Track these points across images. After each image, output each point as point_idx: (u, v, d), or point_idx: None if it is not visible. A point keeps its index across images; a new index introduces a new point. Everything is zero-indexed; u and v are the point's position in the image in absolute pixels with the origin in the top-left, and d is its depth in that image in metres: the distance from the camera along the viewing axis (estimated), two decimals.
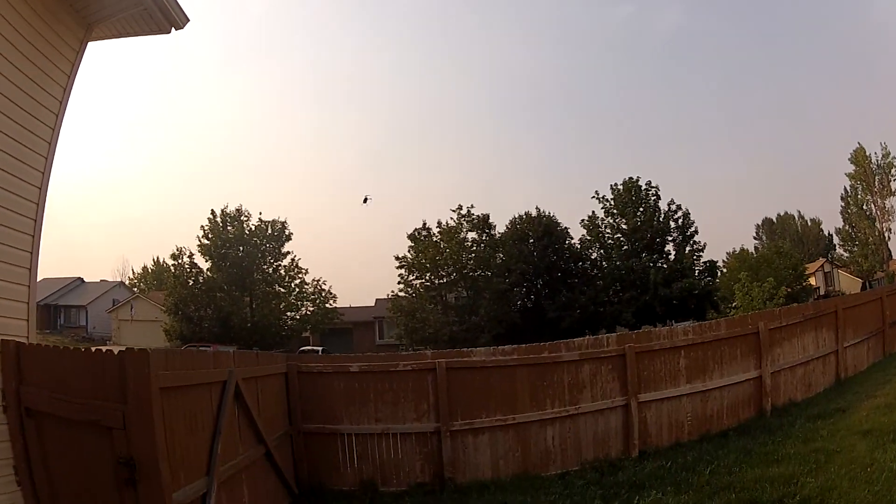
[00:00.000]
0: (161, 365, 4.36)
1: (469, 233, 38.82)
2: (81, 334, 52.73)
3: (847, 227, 46.04)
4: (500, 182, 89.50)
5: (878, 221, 44.32)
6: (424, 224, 39.31)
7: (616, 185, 39.69)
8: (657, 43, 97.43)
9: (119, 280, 66.06)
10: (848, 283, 47.08)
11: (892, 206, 43.60)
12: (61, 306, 57.26)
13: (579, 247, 40.29)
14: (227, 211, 42.82)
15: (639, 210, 38.98)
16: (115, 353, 4.38)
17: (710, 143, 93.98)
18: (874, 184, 43.72)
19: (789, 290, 40.37)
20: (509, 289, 38.08)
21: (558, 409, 8.62)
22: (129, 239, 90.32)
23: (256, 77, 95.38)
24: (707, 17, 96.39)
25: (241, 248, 41.64)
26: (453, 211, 39.07)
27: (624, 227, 39.30)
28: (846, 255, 47.87)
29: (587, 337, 9.86)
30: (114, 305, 55.79)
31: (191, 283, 41.12)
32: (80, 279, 60.57)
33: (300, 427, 8.29)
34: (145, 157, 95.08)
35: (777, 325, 10.82)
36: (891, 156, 43.69)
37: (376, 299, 42.11)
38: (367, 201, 43.96)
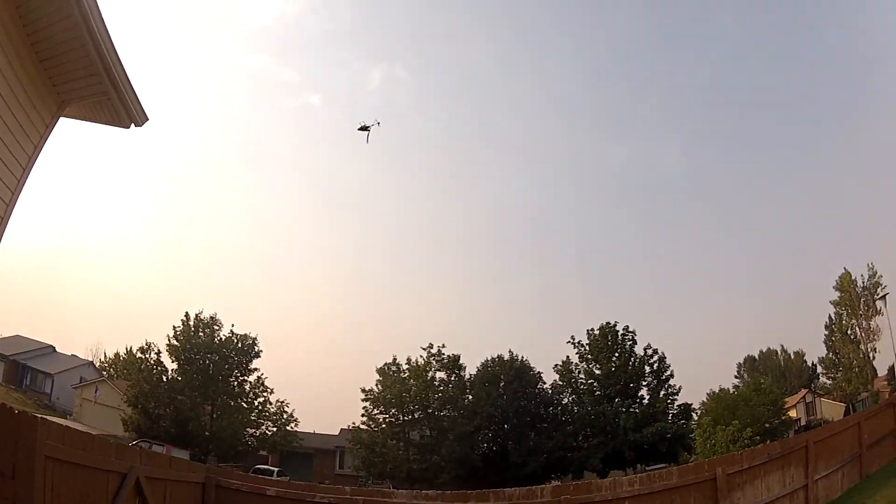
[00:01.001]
0: (54, 437, 5.07)
1: (438, 372, 38.39)
2: (45, 401, 51.91)
3: (830, 355, 45.24)
4: (475, 323, 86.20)
5: (862, 343, 43.30)
6: (394, 359, 38.95)
7: (592, 330, 38.95)
8: (635, 183, 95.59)
9: (90, 360, 64.89)
10: (830, 409, 46.05)
11: (878, 326, 42.44)
12: (29, 367, 55.95)
13: (550, 392, 39.58)
14: (202, 317, 41.89)
15: (614, 355, 38.08)
16: (15, 412, 5.09)
17: (693, 285, 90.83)
18: (860, 306, 42.72)
19: (767, 426, 39.35)
20: (474, 431, 37.35)
21: None
22: (108, 316, 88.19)
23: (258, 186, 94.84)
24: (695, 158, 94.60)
25: (208, 356, 40.73)
26: (423, 349, 38.71)
27: (597, 372, 38.43)
28: (829, 382, 46.98)
29: (517, 488, 8.92)
30: (80, 382, 54.56)
31: (154, 379, 40.19)
32: (52, 347, 59.32)
33: None
34: (147, 238, 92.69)
35: (737, 469, 10.33)
36: (877, 275, 42.84)
37: (340, 429, 41.54)
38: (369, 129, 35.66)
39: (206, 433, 39.44)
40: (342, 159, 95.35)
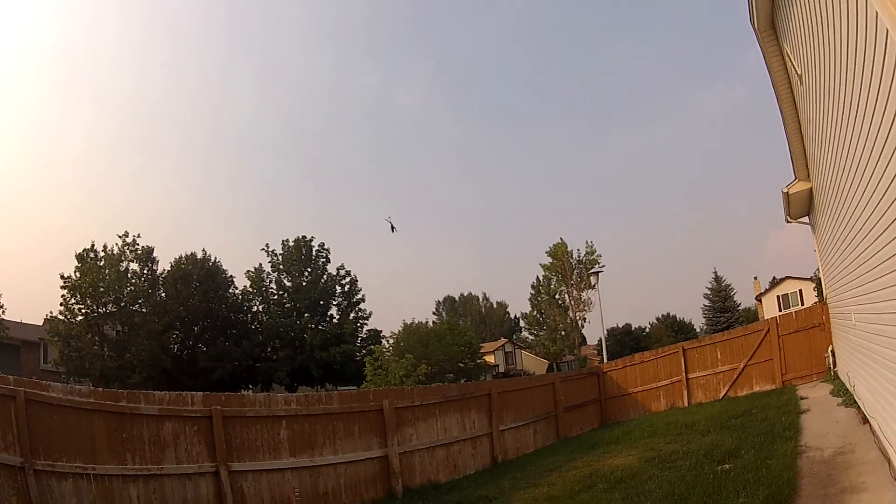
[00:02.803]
0: None
1: (132, 263, 37.28)
2: None
3: (535, 313, 48.23)
4: (174, 215, 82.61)
5: (571, 310, 46.37)
6: (92, 245, 37.13)
7: (287, 241, 39.64)
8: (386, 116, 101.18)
9: None
10: (532, 363, 48.91)
11: (589, 298, 45.86)
12: None
13: (241, 298, 39.69)
14: None
15: (306, 270, 39.17)
16: None
17: (416, 216, 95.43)
18: (572, 276, 45.87)
19: (461, 365, 41.09)
20: (165, 330, 36.94)
21: (138, 466, 7.69)
22: None
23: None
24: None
25: None
26: (119, 237, 37.52)
27: (288, 284, 39.30)
28: (531, 337, 49.85)
29: (168, 392, 8.47)
30: None
31: None
32: None
33: None
34: None
35: (406, 404, 10.38)
36: (595, 253, 46.56)
37: (45, 318, 39.95)
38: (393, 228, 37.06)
39: None
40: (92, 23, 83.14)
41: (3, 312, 40.46)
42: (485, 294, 69.00)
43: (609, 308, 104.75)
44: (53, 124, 75.77)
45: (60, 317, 37.49)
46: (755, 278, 53.88)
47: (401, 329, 41.56)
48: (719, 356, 16.12)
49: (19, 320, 44.18)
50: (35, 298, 68.60)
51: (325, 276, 39.33)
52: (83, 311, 37.49)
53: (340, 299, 39.82)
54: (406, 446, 10.25)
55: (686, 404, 16.09)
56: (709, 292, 57.38)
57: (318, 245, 39.70)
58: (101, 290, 36.95)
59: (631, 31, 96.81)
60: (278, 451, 8.73)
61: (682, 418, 13.15)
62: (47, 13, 74.27)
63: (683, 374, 16.44)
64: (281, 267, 39.29)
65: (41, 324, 42.29)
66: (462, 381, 35.94)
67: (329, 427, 9.31)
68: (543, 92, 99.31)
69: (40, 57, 74.48)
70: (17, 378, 8.26)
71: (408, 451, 10.25)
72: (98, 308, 37.39)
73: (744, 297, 60.45)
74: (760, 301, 49.17)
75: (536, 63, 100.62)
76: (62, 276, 37.64)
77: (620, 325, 65.25)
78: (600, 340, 47.91)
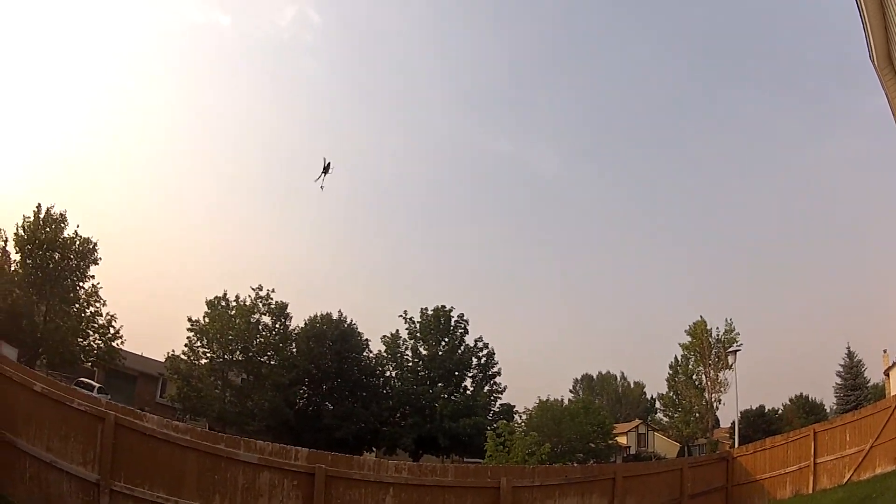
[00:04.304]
0: None
1: (263, 316, 36.95)
2: None
3: (671, 394, 45.41)
4: (312, 275, 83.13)
5: (707, 391, 43.46)
6: (224, 294, 37.25)
7: (426, 309, 38.37)
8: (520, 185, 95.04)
9: None
10: (665, 446, 46.37)
11: (725, 379, 42.40)
12: None
13: (374, 362, 38.71)
14: (52, 212, 39.91)
15: (443, 340, 37.44)
16: None
17: (548, 292, 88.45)
18: (710, 356, 42.80)
19: (592, 446, 39.16)
20: (291, 384, 36.40)
21: None
22: None
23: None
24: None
25: (50, 254, 39.00)
26: (253, 289, 37.11)
27: (424, 352, 37.82)
28: (666, 419, 47.23)
29: (270, 443, 8.40)
30: None
31: None
32: None
33: None
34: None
35: (525, 483, 9.61)
36: (734, 331, 42.93)
37: (166, 356, 39.94)
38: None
39: (38, 335, 37.91)
40: (224, 84, 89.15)
41: (123, 343, 40.90)
42: (622, 373, 67.08)
43: (743, 388, 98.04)
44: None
45: (183, 356, 37.83)
46: (885, 351, 49.54)
47: (535, 405, 40.07)
48: (848, 438, 14.48)
49: (140, 353, 44.49)
50: (157, 333, 73.11)
51: (462, 347, 37.43)
52: (208, 354, 37.58)
53: (476, 371, 37.90)
54: None
55: (811, 491, 14.52)
56: (841, 369, 52.95)
57: (458, 316, 38.17)
58: (230, 337, 36.85)
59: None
60: None
61: None
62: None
63: (811, 459, 14.78)
64: (418, 335, 37.89)
65: (162, 360, 42.39)
66: (591, 462, 34.15)
67: (440, 500, 8.77)
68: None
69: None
70: (111, 403, 9.62)
71: None
72: (224, 354, 37.33)
73: (873, 373, 55.94)
74: (888, 375, 45.32)
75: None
76: (190, 319, 38.20)
77: (754, 407, 61.04)
78: (733, 423, 44.49)
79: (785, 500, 14.71)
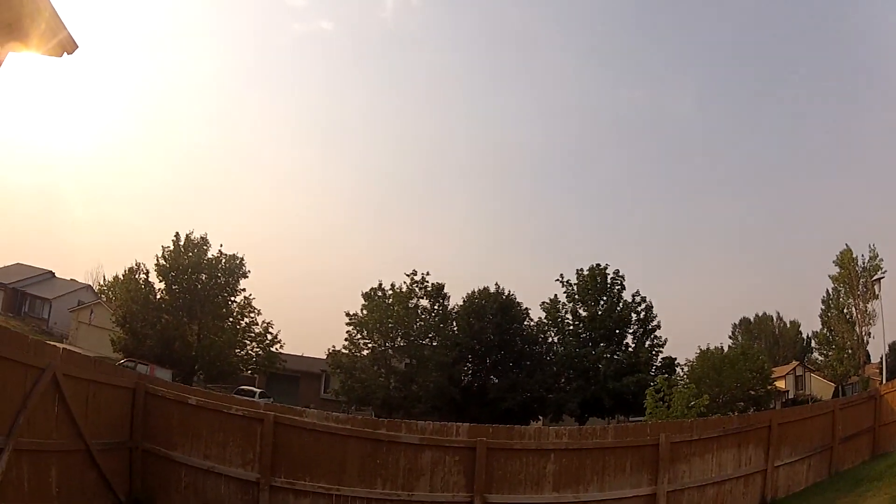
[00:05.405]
0: None
1: (421, 300, 37.87)
2: (42, 326, 52.17)
3: (825, 331, 43.99)
4: (467, 254, 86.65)
5: (857, 325, 42.09)
6: (380, 284, 38.27)
7: (582, 270, 38.25)
8: (657, 132, 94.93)
9: (88, 283, 65.42)
10: (820, 387, 44.87)
11: (874, 310, 40.97)
12: (28, 294, 56.63)
13: (535, 330, 38.81)
14: (192, 237, 41.97)
15: (601, 298, 37.48)
16: None
17: (691, 241, 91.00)
18: (858, 287, 41.58)
19: (752, 392, 38.36)
20: (455, 362, 36.86)
21: (388, 490, 8.07)
22: (109, 239, 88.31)
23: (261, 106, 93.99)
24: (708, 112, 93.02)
25: (196, 276, 40.84)
26: (407, 276, 38.03)
27: (584, 314, 37.80)
28: (821, 358, 45.72)
29: (431, 422, 8.81)
30: (77, 306, 55.09)
31: (142, 299, 40.27)
32: (52, 273, 59.94)
33: (140, 444, 8.39)
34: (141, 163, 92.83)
35: (685, 438, 9.60)
36: (878, 258, 41.48)
37: (327, 352, 41.05)
38: None
39: (193, 353, 39.53)
40: (349, 86, 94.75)
41: (282, 347, 42.33)
42: (778, 313, 63.99)
43: (892, 318, 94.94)
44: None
45: (344, 350, 38.79)
46: None
47: (696, 356, 39.74)
48: None
49: (301, 353, 45.91)
50: (318, 337, 76.96)
51: (620, 304, 37.30)
52: (370, 345, 38.54)
53: (636, 327, 37.70)
54: (676, 484, 9.34)
55: None
56: None
57: (613, 273, 37.93)
58: (390, 325, 37.78)
59: None
60: (541, 486, 8.51)
61: None
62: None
63: None
64: (576, 297, 37.89)
65: (323, 356, 43.63)
66: (751, 411, 33.29)
67: (599, 462, 8.86)
68: None
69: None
70: (271, 405, 10.26)
71: (678, 490, 9.32)
72: (385, 342, 38.18)
73: None
74: None
75: None
76: (347, 314, 39.25)
77: None
78: (882, 358, 43.45)
79: None
